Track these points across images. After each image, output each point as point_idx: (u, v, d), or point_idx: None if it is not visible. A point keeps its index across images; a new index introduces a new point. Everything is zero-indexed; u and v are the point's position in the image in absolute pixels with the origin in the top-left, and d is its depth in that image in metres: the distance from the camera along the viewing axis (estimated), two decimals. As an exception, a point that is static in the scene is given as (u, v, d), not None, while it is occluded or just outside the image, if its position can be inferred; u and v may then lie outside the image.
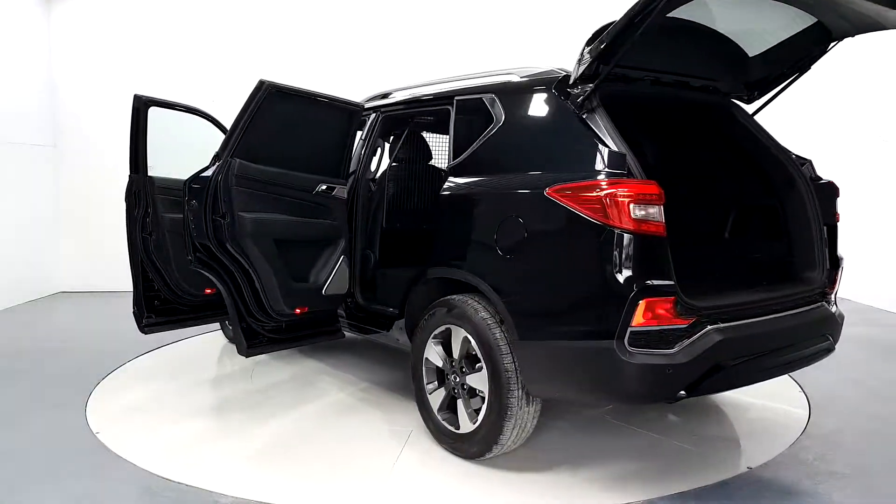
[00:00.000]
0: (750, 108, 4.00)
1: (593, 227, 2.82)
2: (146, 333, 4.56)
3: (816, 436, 3.83)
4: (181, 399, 4.46)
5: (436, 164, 5.08)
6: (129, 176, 4.36)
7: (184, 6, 8.35)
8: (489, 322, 3.24)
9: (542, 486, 3.23)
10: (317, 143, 3.96)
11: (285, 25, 8.36)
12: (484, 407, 3.31)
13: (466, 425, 3.43)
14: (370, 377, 4.85)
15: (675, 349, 2.80)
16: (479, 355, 3.29)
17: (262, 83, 3.56)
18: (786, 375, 4.85)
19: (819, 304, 3.48)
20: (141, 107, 4.25)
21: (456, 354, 3.49)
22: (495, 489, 3.21)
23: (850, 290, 7.86)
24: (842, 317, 3.61)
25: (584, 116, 3.09)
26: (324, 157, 4.01)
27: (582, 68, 3.08)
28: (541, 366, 3.12)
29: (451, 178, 3.61)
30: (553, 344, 3.03)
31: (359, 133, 4.42)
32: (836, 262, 3.65)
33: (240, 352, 3.84)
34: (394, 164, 4.93)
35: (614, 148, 2.93)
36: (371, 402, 4.36)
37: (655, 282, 2.78)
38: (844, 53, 7.69)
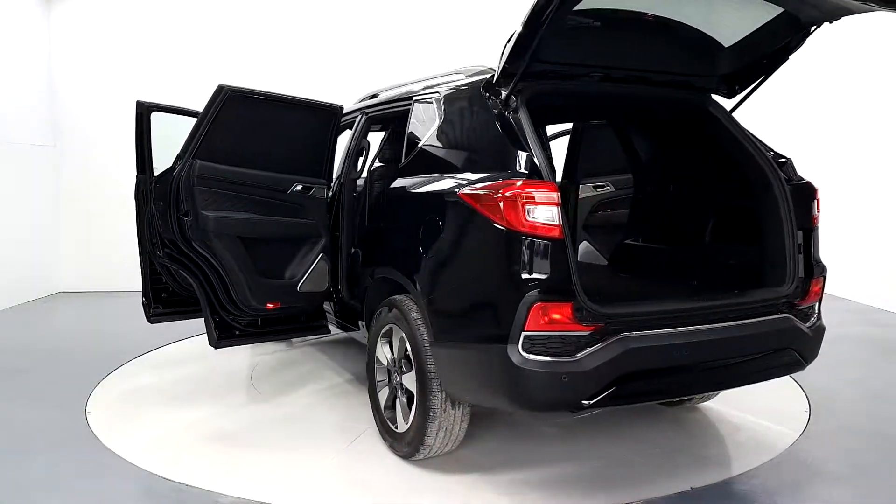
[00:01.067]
0: (739, 105, 3.81)
1: (493, 230, 2.78)
2: (153, 323, 4.60)
3: (816, 436, 3.83)
4: (181, 399, 4.45)
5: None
6: (136, 177, 4.41)
7: (184, 7, 8.35)
8: (419, 323, 3.21)
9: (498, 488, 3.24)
10: (291, 144, 4.02)
11: (285, 26, 8.36)
12: (413, 408, 3.32)
13: (402, 425, 3.43)
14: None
15: (577, 357, 2.68)
16: (411, 356, 3.29)
17: (220, 88, 3.66)
18: (786, 376, 4.86)
19: (781, 315, 3.19)
20: (144, 112, 4.30)
21: (396, 354, 3.50)
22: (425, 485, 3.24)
23: (851, 290, 7.88)
24: (819, 330, 3.37)
25: (505, 116, 3.06)
26: (300, 158, 4.06)
27: (501, 67, 3.06)
28: (451, 369, 3.08)
29: (398, 179, 3.66)
30: (459, 347, 2.99)
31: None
32: (811, 271, 3.37)
33: (210, 343, 3.93)
34: (377, 163, 4.96)
35: (523, 149, 2.89)
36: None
37: (549, 286, 2.69)
38: (845, 55, 7.66)
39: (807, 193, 3.42)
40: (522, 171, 2.84)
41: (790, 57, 3.44)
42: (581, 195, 4.92)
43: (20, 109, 7.75)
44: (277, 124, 3.95)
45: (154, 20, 8.31)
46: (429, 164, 3.47)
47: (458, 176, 3.16)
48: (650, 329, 2.83)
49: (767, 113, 8.50)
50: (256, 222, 3.85)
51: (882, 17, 3.61)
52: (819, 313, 3.46)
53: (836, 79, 8.27)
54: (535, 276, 2.70)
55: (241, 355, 5.37)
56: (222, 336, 3.92)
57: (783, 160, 3.51)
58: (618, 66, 3.43)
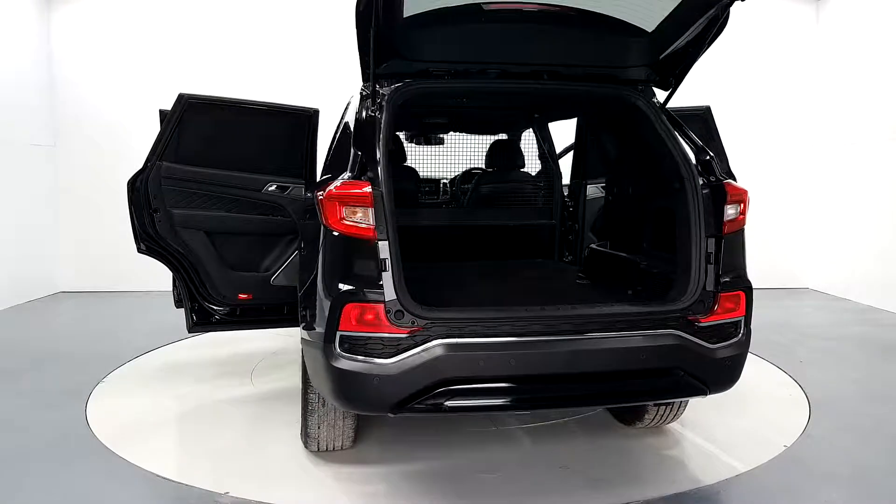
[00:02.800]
0: (671, 95, 3.55)
1: (322, 230, 2.83)
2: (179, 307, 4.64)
3: (816, 436, 3.83)
4: (181, 399, 4.46)
5: None
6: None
7: (184, 6, 8.35)
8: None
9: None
10: (264, 147, 4.20)
11: (285, 27, 8.35)
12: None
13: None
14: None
15: (393, 360, 2.65)
16: None
17: (180, 97, 3.90)
18: (786, 375, 4.87)
19: (665, 331, 2.86)
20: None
21: None
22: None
23: (851, 290, 7.89)
24: (737, 354, 2.98)
25: (368, 118, 3.10)
26: (275, 159, 4.22)
27: (362, 70, 3.14)
28: (308, 366, 3.13)
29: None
30: (308, 344, 3.03)
31: None
32: (720, 285, 2.97)
33: (187, 328, 4.15)
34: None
35: (363, 150, 2.91)
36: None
37: (360, 287, 2.68)
38: (848, 54, 7.68)
39: (718, 196, 3.04)
40: (352, 172, 2.85)
41: (720, 34, 3.12)
42: (588, 196, 4.73)
43: (20, 109, 7.75)
44: (247, 128, 4.17)
45: (154, 20, 8.30)
46: (325, 167, 3.62)
47: (326, 178, 3.22)
48: (477, 337, 2.72)
49: (771, 113, 8.52)
50: (225, 219, 4.06)
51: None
52: (741, 333, 3.02)
53: (841, 79, 8.27)
54: (347, 276, 2.73)
55: (241, 356, 5.37)
56: (198, 323, 4.14)
57: (706, 158, 3.15)
58: (516, 62, 3.36)
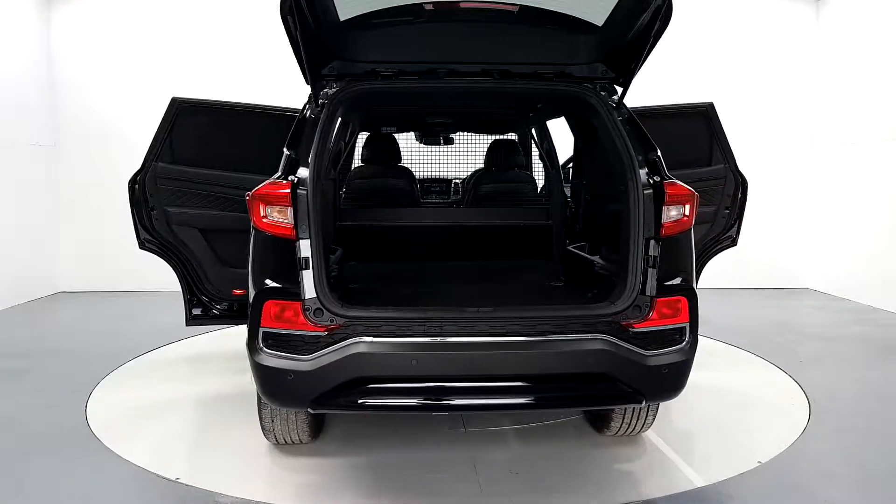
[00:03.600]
0: (626, 91, 3.39)
1: (252, 228, 2.90)
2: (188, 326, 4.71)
3: (816, 436, 3.83)
4: (181, 399, 4.46)
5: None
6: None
7: (184, 6, 8.35)
8: None
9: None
10: (257, 148, 4.21)
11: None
12: None
13: None
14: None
15: (311, 356, 2.70)
16: None
17: (172, 101, 4.06)
18: (786, 375, 4.87)
19: (592, 336, 2.79)
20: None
21: None
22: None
23: (851, 290, 7.89)
24: (679, 362, 2.85)
25: (309, 118, 3.14)
26: (270, 160, 4.25)
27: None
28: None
29: None
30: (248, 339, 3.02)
31: None
32: (657, 289, 2.84)
33: (185, 322, 4.26)
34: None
35: (294, 150, 2.97)
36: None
37: (280, 284, 2.75)
38: (848, 54, 7.67)
39: (658, 197, 2.92)
40: (281, 172, 2.90)
41: (666, 26, 2.97)
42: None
43: (20, 109, 7.74)
44: (239, 130, 4.24)
45: (154, 20, 8.30)
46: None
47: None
48: (393, 337, 2.75)
49: (771, 112, 8.52)
50: (218, 217, 4.15)
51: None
52: (685, 340, 2.90)
53: (839, 79, 8.27)
54: (269, 273, 2.81)
55: (241, 356, 5.36)
56: (196, 317, 4.24)
57: (654, 158, 3.06)
58: (464, 62, 3.35)
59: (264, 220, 2.81)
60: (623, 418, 3.52)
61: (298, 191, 2.80)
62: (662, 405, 4.23)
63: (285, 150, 2.98)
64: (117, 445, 3.67)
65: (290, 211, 2.77)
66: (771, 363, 5.18)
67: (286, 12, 2.77)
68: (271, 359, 2.75)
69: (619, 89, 3.35)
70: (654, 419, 3.57)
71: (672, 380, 2.87)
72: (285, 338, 2.76)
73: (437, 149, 6.26)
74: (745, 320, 6.75)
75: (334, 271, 3.74)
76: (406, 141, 5.92)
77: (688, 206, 2.94)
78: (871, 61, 7.58)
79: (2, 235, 7.35)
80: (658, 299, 2.84)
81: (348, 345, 2.71)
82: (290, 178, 2.83)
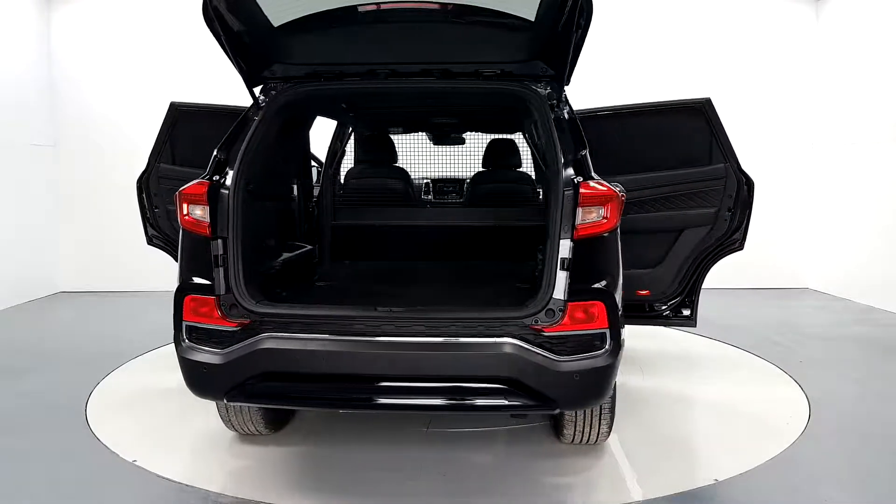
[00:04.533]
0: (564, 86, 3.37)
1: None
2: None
3: (816, 436, 3.83)
4: (181, 399, 4.41)
5: None
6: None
7: (183, 6, 8.34)
8: None
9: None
10: None
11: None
12: None
13: None
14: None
15: (223, 350, 2.84)
16: None
17: (171, 105, 4.37)
18: (786, 375, 4.87)
19: (498, 339, 2.74)
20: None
21: None
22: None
23: (851, 290, 7.89)
24: (596, 368, 2.74)
25: (250, 118, 3.24)
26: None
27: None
28: None
29: None
30: None
31: None
32: (574, 292, 2.74)
33: None
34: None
35: (222, 151, 3.07)
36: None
37: (199, 280, 2.89)
38: (848, 54, 7.66)
39: (572, 197, 2.81)
40: (207, 172, 3.03)
41: (588, 17, 2.94)
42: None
43: (20, 109, 7.75)
44: None
45: (154, 20, 8.30)
46: None
47: None
48: (300, 333, 2.82)
49: (771, 112, 8.51)
50: None
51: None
52: (605, 346, 2.79)
53: (838, 79, 8.27)
54: (191, 269, 2.95)
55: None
56: None
57: (578, 157, 2.98)
58: (404, 62, 3.37)
59: (186, 217, 2.95)
60: (575, 426, 3.36)
61: (221, 191, 2.93)
62: (658, 407, 4.30)
63: (215, 150, 3.08)
64: (118, 445, 3.67)
65: (207, 210, 2.90)
66: (771, 363, 5.18)
67: (208, 19, 2.96)
68: (191, 351, 2.88)
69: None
70: (609, 428, 3.40)
71: (587, 387, 2.77)
72: (204, 332, 2.88)
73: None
74: (744, 320, 6.75)
75: (317, 269, 3.77)
76: (405, 141, 5.93)
77: (607, 208, 2.82)
78: (872, 61, 7.57)
79: (2, 235, 7.36)
80: (571, 303, 2.74)
81: (257, 340, 2.82)
82: (213, 179, 2.97)
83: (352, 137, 5.15)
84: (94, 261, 8.35)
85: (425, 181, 5.87)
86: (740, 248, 4.04)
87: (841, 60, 8.13)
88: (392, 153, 5.08)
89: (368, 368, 2.84)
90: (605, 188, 2.87)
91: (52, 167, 8.26)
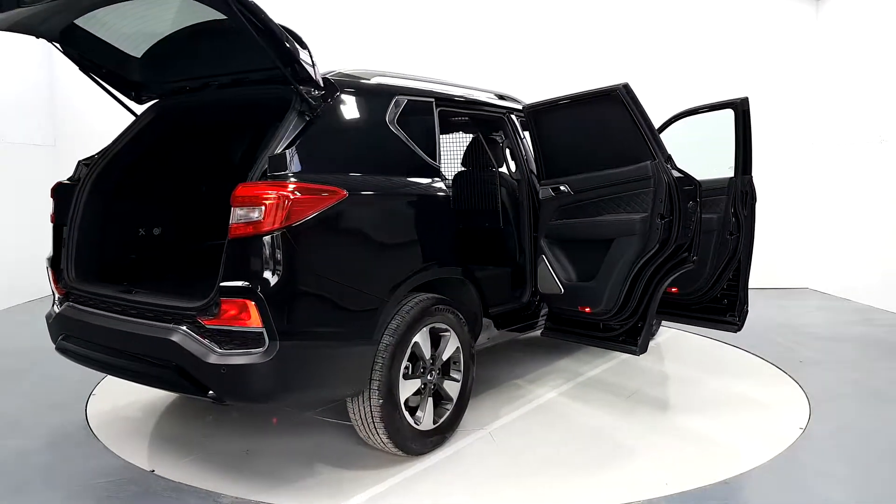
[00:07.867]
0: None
1: None
2: None
3: (816, 436, 3.83)
4: (182, 399, 4.45)
5: None
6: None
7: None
8: None
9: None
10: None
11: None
12: None
13: None
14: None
15: (55, 310, 3.61)
16: None
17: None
18: (786, 375, 4.87)
19: (165, 325, 3.00)
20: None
21: None
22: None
23: (851, 290, 7.89)
24: (238, 365, 2.80)
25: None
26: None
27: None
28: None
29: None
30: None
31: None
32: (225, 290, 2.82)
33: None
34: None
35: (84, 158, 3.83)
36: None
37: (54, 256, 3.67)
38: (847, 54, 7.64)
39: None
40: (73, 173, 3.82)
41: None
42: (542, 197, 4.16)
43: (20, 109, 7.74)
44: None
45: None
46: None
47: None
48: (88, 306, 3.44)
49: (771, 112, 8.52)
50: None
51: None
52: (263, 346, 2.80)
53: (837, 80, 8.27)
54: (53, 247, 3.71)
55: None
56: None
57: (277, 154, 2.97)
58: (216, 74, 3.65)
59: (51, 209, 3.72)
60: (358, 426, 3.37)
61: (68, 188, 3.68)
62: (657, 401, 4.30)
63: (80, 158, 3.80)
64: (118, 446, 3.68)
65: (52, 203, 3.70)
66: (771, 363, 5.18)
67: (85, 72, 3.88)
68: (48, 309, 3.69)
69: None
70: (388, 438, 3.30)
71: (234, 382, 2.87)
72: (55, 296, 3.65)
73: None
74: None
75: None
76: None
77: (260, 209, 2.75)
78: (872, 61, 7.58)
79: (2, 235, 7.35)
80: (223, 300, 2.83)
81: (62, 307, 3.55)
82: (66, 181, 3.75)
83: None
84: (94, 261, 8.35)
85: None
86: (692, 264, 3.64)
87: (841, 60, 8.14)
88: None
89: (105, 340, 3.35)
90: (258, 189, 2.79)
91: (52, 167, 8.25)
